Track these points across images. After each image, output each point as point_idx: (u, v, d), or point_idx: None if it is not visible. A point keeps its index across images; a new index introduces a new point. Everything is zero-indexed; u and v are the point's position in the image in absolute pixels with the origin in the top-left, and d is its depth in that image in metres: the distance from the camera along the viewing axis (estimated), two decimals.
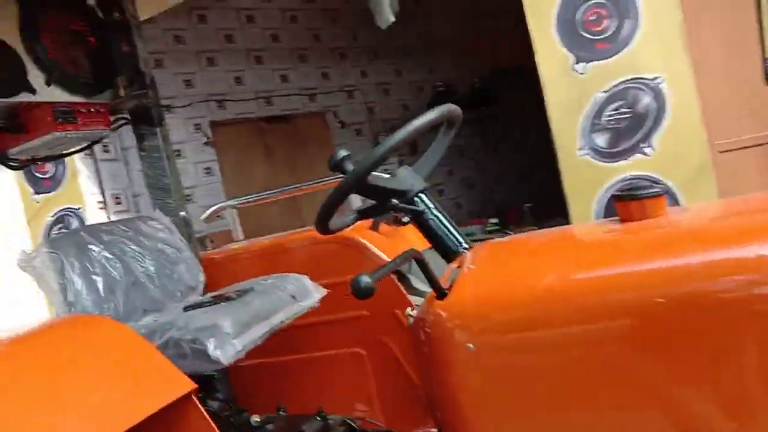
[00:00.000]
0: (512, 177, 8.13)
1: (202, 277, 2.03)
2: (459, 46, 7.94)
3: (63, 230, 4.44)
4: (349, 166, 1.32)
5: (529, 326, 1.04)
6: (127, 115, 2.31)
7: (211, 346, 1.31)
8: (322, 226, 1.37)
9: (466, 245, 1.35)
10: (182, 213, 2.31)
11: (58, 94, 2.06)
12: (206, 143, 5.93)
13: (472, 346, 1.07)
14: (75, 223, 4.43)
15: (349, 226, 1.46)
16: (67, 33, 2.13)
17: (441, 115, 1.38)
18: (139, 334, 1.46)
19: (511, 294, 1.07)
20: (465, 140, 7.93)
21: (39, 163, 2.23)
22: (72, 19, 2.16)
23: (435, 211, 1.39)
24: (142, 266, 1.78)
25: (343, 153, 1.33)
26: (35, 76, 1.98)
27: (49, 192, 4.56)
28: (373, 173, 1.30)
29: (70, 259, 1.57)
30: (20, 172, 4.37)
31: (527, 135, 6.61)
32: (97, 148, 4.85)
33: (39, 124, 2.05)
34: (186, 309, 1.63)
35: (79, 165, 4.45)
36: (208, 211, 2.86)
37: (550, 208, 4.26)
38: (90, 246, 1.66)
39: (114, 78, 2.26)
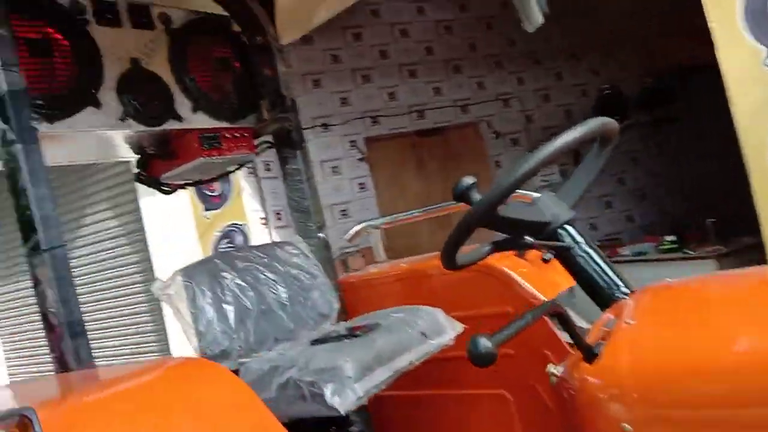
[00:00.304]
0: (691, 187, 7.21)
1: (335, 305, 1.96)
2: (626, 45, 7.24)
3: (229, 245, 4.73)
4: (475, 196, 1.14)
5: (707, 404, 0.78)
6: (270, 139, 2.33)
7: (329, 392, 1.20)
8: (449, 262, 1.20)
9: (625, 289, 1.10)
10: (321, 234, 2.26)
11: (203, 120, 2.11)
12: (361, 159, 6.02)
13: (629, 427, 0.83)
14: (240, 239, 4.71)
15: (481, 260, 1.28)
16: (213, 60, 2.19)
17: (591, 130, 1.14)
18: (260, 371, 1.40)
19: (683, 363, 0.81)
20: (637, 145, 7.22)
21: (187, 187, 2.32)
22: (217, 47, 2.22)
23: (585, 246, 1.15)
24: (275, 294, 1.74)
25: (467, 181, 1.14)
26: (182, 104, 2.05)
27: (217, 209, 4.89)
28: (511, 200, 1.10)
29: (203, 287, 1.56)
30: (192, 189, 4.73)
31: (708, 140, 5.81)
32: (260, 165, 5.12)
33: (186, 150, 2.12)
34: (313, 343, 1.55)
35: (243, 183, 4.73)
36: (352, 231, 2.81)
37: (738, 225, 3.65)
38: (223, 274, 1.65)
39: (257, 102, 2.29)
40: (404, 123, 6.37)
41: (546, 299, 1.81)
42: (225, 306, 1.57)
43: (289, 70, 2.32)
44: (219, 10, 2.27)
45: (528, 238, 1.13)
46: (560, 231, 1.16)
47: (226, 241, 4.84)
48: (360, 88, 6.25)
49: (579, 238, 1.16)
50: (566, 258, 1.16)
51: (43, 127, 1.65)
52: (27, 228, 1.46)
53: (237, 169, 2.35)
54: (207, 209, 4.92)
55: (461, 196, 1.15)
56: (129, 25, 1.97)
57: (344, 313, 2.11)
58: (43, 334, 1.42)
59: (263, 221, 4.80)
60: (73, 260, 6.13)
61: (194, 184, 2.38)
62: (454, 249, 1.18)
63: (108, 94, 1.84)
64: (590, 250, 1.16)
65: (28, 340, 6.59)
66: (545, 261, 1.19)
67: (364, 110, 6.22)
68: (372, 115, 6.22)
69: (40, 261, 1.43)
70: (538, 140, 6.80)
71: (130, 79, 1.91)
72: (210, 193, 4.87)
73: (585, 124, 1.15)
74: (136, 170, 2.25)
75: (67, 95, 1.73)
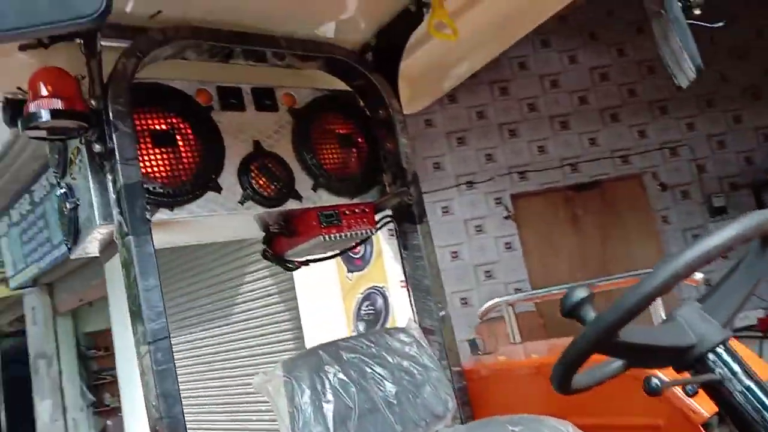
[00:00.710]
0: None
1: (451, 404, 1.76)
2: None
3: (370, 309, 4.72)
4: (589, 314, 0.92)
5: None
6: (391, 213, 2.25)
7: None
8: (561, 386, 0.99)
9: None
10: (442, 313, 2.10)
11: (324, 198, 2.09)
12: (507, 217, 5.78)
13: None
14: (380, 302, 4.67)
15: (604, 382, 1.04)
16: (336, 137, 2.18)
17: (752, 228, 0.88)
18: None
19: None
20: None
21: (310, 264, 2.29)
22: (340, 123, 2.21)
23: (744, 378, 0.88)
24: (382, 391, 1.60)
25: (579, 294, 0.93)
26: (302, 183, 2.04)
27: (360, 270, 4.92)
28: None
29: (302, 383, 1.47)
30: None
31: None
32: None
33: (306, 228, 2.10)
34: None
35: (383, 245, 4.73)
36: (484, 307, 2.61)
37: None
38: (326, 367, 1.56)
39: (379, 177, 2.23)
40: (556, 177, 6.04)
41: (706, 413, 1.47)
42: (325, 405, 1.47)
43: (411, 143, 2.23)
44: (343, 85, 2.27)
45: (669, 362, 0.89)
46: (709, 357, 0.90)
47: (367, 303, 4.83)
48: (507, 144, 6.06)
49: (736, 367, 0.89)
50: (717, 393, 0.89)
51: (162, 215, 1.71)
52: (136, 318, 1.48)
53: (359, 244, 2.29)
54: (350, 271, 4.96)
55: (571, 312, 0.93)
56: (252, 108, 2.02)
57: (466, 406, 1.91)
58: None
59: (403, 284, 4.72)
60: (232, 315, 6.53)
61: (318, 260, 2.36)
62: (566, 374, 0.96)
63: (228, 178, 1.88)
64: (751, 383, 0.88)
65: None
66: (689, 394, 0.93)
67: (511, 166, 6.00)
68: (519, 171, 5.98)
69: (146, 351, 1.44)
70: (712, 193, 6.04)
71: (251, 162, 1.94)
72: (353, 255, 4.92)
73: (747, 218, 0.89)
74: (263, 246, 2.27)
75: (188, 183, 1.78)
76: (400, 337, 1.80)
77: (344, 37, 2.26)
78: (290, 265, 2.27)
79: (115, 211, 1.56)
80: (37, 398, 9.57)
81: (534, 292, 2.71)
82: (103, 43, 1.78)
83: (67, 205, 1.74)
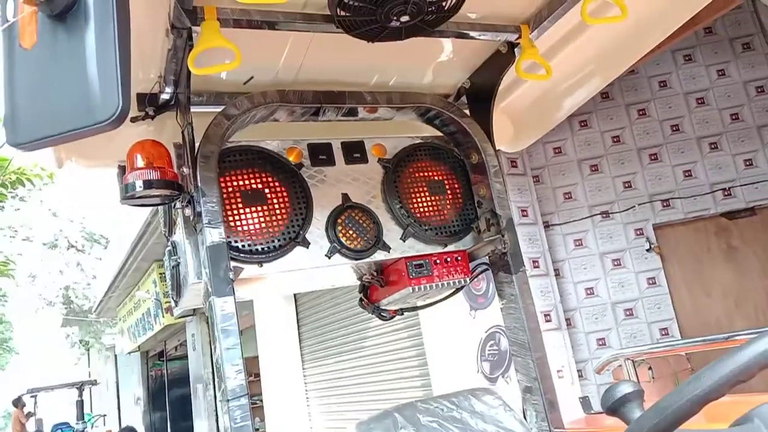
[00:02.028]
0: None
1: None
2: None
3: (494, 349, 4.59)
4: (633, 412, 0.81)
5: None
6: (486, 260, 2.18)
7: None
8: None
9: None
10: (542, 370, 1.98)
11: (414, 247, 2.08)
12: (649, 249, 5.34)
13: None
14: (504, 342, 4.53)
15: None
16: (427, 185, 2.17)
17: None
18: None
19: None
20: None
21: (403, 313, 2.29)
22: (432, 171, 2.20)
23: None
24: None
25: (623, 389, 0.83)
26: (390, 233, 2.05)
27: (482, 308, 4.82)
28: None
29: None
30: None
31: None
32: (528, 265, 4.93)
33: (396, 278, 2.10)
34: None
35: None
36: (600, 362, 2.42)
37: None
38: (402, 431, 1.53)
39: (472, 224, 2.18)
40: (706, 204, 5.50)
41: None
42: None
43: (504, 188, 2.16)
44: (433, 131, 2.27)
45: None
46: None
47: (491, 343, 4.70)
48: (647, 169, 5.64)
49: None
50: None
51: (251, 272, 1.81)
52: (218, 375, 1.57)
53: (454, 293, 2.25)
54: (472, 308, 4.88)
55: (614, 409, 0.83)
56: (342, 162, 2.08)
57: None
58: None
59: None
60: (363, 349, 6.69)
61: (412, 309, 2.34)
62: None
63: (316, 232, 1.93)
64: None
65: None
66: None
67: (653, 193, 5.57)
68: (663, 198, 5.53)
69: (225, 409, 1.52)
70: None
71: (338, 215, 1.98)
72: (476, 292, 4.84)
73: None
74: (359, 295, 2.31)
75: (277, 239, 1.86)
76: (485, 400, 1.73)
77: (435, 84, 2.27)
78: (384, 315, 2.27)
79: (203, 271, 1.68)
80: (196, 419, 10.45)
81: (654, 345, 2.46)
82: (201, 109, 1.97)
83: (171, 262, 1.90)
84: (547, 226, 5.47)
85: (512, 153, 5.15)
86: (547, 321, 4.92)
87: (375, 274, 2.17)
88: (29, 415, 11.36)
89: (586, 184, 5.71)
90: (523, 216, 5.24)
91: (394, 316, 2.30)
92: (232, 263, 1.70)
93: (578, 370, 5.04)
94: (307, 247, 1.91)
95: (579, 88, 2.42)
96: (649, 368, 3.86)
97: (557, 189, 5.70)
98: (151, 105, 1.81)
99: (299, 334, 8.17)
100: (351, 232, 1.99)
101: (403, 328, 6.00)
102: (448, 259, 2.10)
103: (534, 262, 5.07)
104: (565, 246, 5.43)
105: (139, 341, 13.44)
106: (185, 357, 12.36)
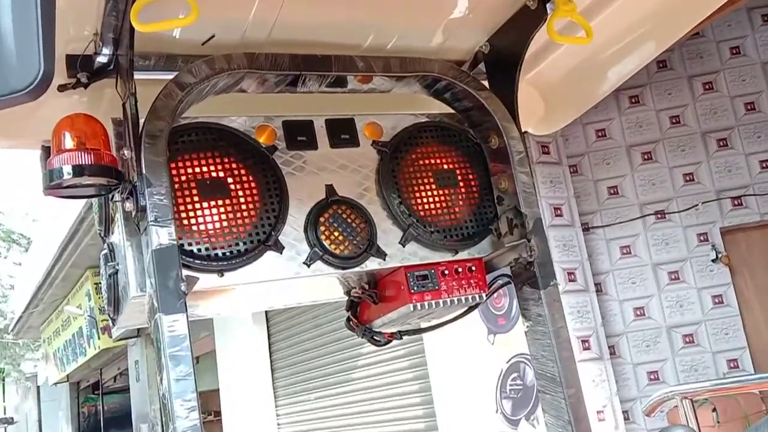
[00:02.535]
0: None
1: None
2: None
3: (518, 384, 4.60)
4: None
5: None
6: (507, 272, 2.19)
7: None
8: None
9: None
10: (576, 411, 1.99)
11: (417, 254, 2.08)
12: (715, 260, 5.36)
13: None
14: (530, 374, 4.53)
15: None
16: (434, 176, 2.17)
17: None
18: None
19: None
20: None
21: (402, 337, 2.29)
22: (441, 157, 2.20)
23: None
24: None
25: None
26: (387, 235, 2.05)
27: (504, 332, 4.83)
28: None
29: None
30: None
31: None
32: (561, 277, 4.94)
33: (394, 293, 2.10)
34: None
35: None
36: (652, 399, 2.43)
37: None
38: None
39: (491, 224, 2.19)
40: None
41: None
42: None
43: (531, 179, 2.16)
44: (443, 108, 2.27)
45: None
46: None
47: (514, 375, 4.72)
48: (714, 158, 5.66)
49: None
50: None
51: (209, 282, 1.81)
52: (164, 412, 1.58)
53: (465, 313, 2.25)
54: (491, 332, 4.90)
55: None
56: (326, 145, 2.08)
57: None
58: None
59: None
60: (353, 382, 6.71)
61: (414, 332, 2.35)
62: None
63: (292, 234, 1.94)
64: None
65: None
66: None
67: (722, 189, 5.59)
68: (734, 196, 5.55)
69: None
70: None
71: (321, 212, 1.99)
72: (495, 311, 4.85)
73: None
74: (347, 314, 2.32)
75: (242, 242, 1.86)
76: None
77: (446, 48, 2.27)
78: (378, 339, 2.28)
79: (148, 281, 1.68)
80: None
81: (720, 381, 2.47)
82: (147, 76, 1.97)
83: (108, 270, 1.90)
84: (586, 228, 5.48)
85: (543, 136, 5.16)
86: (585, 349, 4.93)
87: (367, 287, 2.17)
88: None
89: (636, 176, 5.74)
90: (557, 216, 5.25)
91: (391, 341, 2.29)
92: (185, 271, 1.70)
93: (624, 412, 5.06)
94: (281, 252, 1.91)
95: (628, 55, 2.42)
96: (713, 410, 3.89)
97: (600, 182, 5.72)
98: (84, 70, 1.81)
99: (271, 362, 8.18)
100: (337, 233, 1.99)
101: (403, 356, 6.02)
102: (460, 270, 2.10)
103: (569, 274, 5.08)
104: (609, 254, 5.45)
105: (69, 369, 13.44)
106: (126, 390, 12.38)
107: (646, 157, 5.69)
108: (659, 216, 5.54)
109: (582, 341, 4.93)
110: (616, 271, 5.42)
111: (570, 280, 5.08)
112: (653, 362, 5.25)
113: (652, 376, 5.20)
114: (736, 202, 5.57)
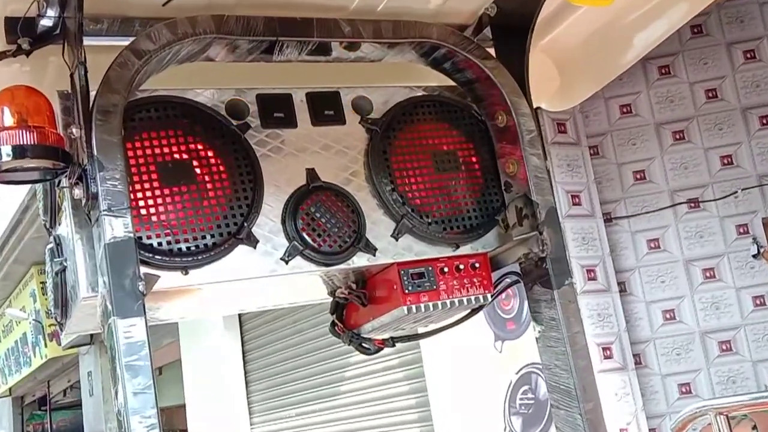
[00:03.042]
0: None
1: None
2: None
3: (529, 397, 4.62)
4: None
5: None
6: (516, 269, 2.20)
7: None
8: None
9: None
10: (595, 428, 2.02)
11: (411, 249, 2.09)
12: (757, 255, 5.39)
13: None
14: (544, 388, 4.55)
15: None
16: (430, 157, 2.18)
17: None
18: None
19: None
20: None
21: (395, 344, 2.31)
22: (439, 137, 2.22)
23: None
24: None
25: None
26: (377, 227, 2.05)
27: (513, 338, 4.85)
28: None
29: None
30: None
31: None
32: (578, 275, 4.96)
33: (385, 294, 2.11)
34: None
35: None
36: (683, 414, 2.45)
37: None
38: None
39: (497, 214, 2.20)
40: None
41: None
42: None
43: (545, 162, 2.17)
44: (441, 80, 2.28)
45: None
46: None
47: (524, 388, 4.74)
48: (756, 138, 5.67)
49: None
50: None
51: (171, 281, 1.82)
52: (121, 429, 1.59)
53: (467, 317, 2.27)
54: (498, 338, 4.92)
55: None
56: (307, 122, 2.09)
57: None
58: None
59: None
60: (341, 395, 6.74)
61: (409, 339, 2.37)
62: None
63: (268, 225, 1.95)
64: None
65: None
66: None
67: (764, 173, 5.60)
68: None
69: None
70: None
71: (301, 201, 1.99)
72: (503, 314, 4.87)
73: None
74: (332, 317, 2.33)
75: (210, 234, 1.87)
76: None
77: (445, 10, 2.28)
78: (367, 347, 2.29)
79: (101, 279, 1.68)
80: None
81: (762, 394, 2.50)
82: (99, 42, 1.96)
83: (54, 266, 1.90)
84: (608, 219, 5.50)
85: (558, 112, 5.17)
86: (606, 358, 4.95)
87: (354, 287, 2.18)
88: None
89: (666, 158, 5.74)
90: (574, 205, 5.27)
91: (383, 349, 2.32)
92: (144, 269, 1.70)
93: (650, 430, 5.09)
94: (255, 247, 1.92)
95: (656, 18, 2.44)
96: (754, 427, 3.92)
97: (624, 166, 5.72)
98: (25, 35, 1.81)
99: (246, 374, 8.19)
100: (319, 225, 2.00)
101: (396, 366, 6.03)
102: (461, 267, 2.12)
103: (588, 271, 5.09)
104: (635, 249, 5.46)
105: (11, 382, 13.43)
106: (78, 405, 12.38)
107: (677, 136, 5.68)
108: (692, 205, 5.54)
109: (602, 349, 4.95)
110: (642, 269, 5.42)
111: (589, 279, 5.09)
112: (684, 373, 5.26)
113: (684, 389, 5.23)
114: None
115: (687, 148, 5.76)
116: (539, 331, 2.14)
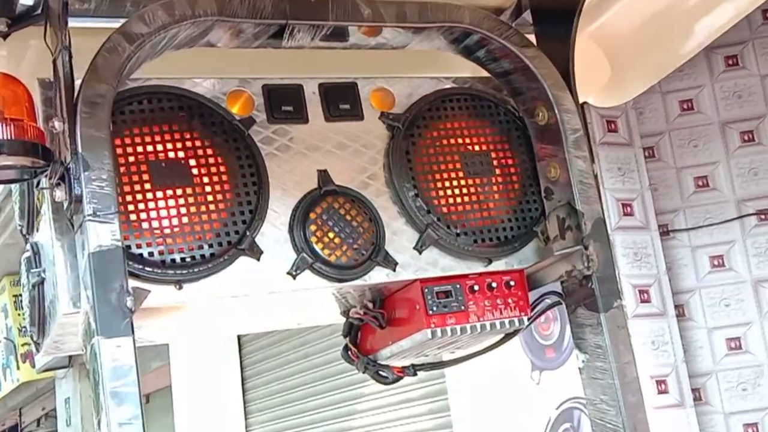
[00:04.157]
0: None
1: None
2: None
3: None
4: None
5: None
6: (557, 289, 2.21)
7: None
8: None
9: None
10: None
11: (435, 263, 2.10)
12: None
13: None
14: (587, 427, 4.54)
15: None
16: (460, 159, 2.19)
17: None
18: None
19: None
20: None
21: (416, 372, 2.31)
22: (470, 136, 2.22)
23: None
24: None
25: None
26: (398, 238, 2.07)
27: (553, 368, 4.84)
28: None
29: None
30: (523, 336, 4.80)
31: None
32: (629, 297, 4.94)
33: (406, 314, 2.12)
34: None
35: None
36: None
37: None
38: None
39: (535, 226, 2.21)
40: None
41: None
42: None
43: (592, 165, 2.18)
44: (474, 70, 2.29)
45: None
46: None
47: (566, 427, 4.72)
48: None
49: None
50: None
51: (163, 297, 1.83)
52: None
53: (500, 343, 2.27)
54: (536, 368, 4.91)
55: None
56: (320, 118, 2.10)
57: None
58: None
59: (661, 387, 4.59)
60: (370, 427, 6.75)
61: (434, 367, 2.38)
62: None
63: (273, 234, 1.96)
64: None
65: None
66: None
67: None
68: None
69: None
70: None
71: (312, 206, 2.01)
72: (542, 340, 4.86)
73: None
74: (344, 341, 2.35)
75: (208, 243, 1.88)
76: None
77: None
78: (385, 375, 2.30)
79: (84, 294, 1.70)
80: None
81: None
82: (85, 23, 1.99)
83: (31, 278, 1.92)
84: (665, 232, 5.48)
85: (608, 109, 5.16)
86: (661, 392, 4.93)
87: (370, 306, 2.19)
88: None
89: (733, 163, 5.72)
90: (626, 215, 5.25)
91: (402, 378, 2.32)
92: (132, 282, 1.72)
93: None
94: (258, 259, 1.94)
95: (722, 2, 2.44)
96: None
97: (684, 170, 5.71)
98: (2, 15, 1.83)
99: (245, 403, 8.21)
100: (332, 235, 2.02)
101: (419, 398, 6.04)
102: (494, 285, 2.13)
103: (641, 292, 5.07)
104: (696, 267, 5.43)
105: None
106: None
107: (746, 137, 5.66)
108: (763, 217, 5.51)
109: (656, 382, 4.92)
110: (704, 290, 5.40)
111: (642, 301, 5.07)
112: (752, 411, 5.23)
113: (751, 430, 5.20)
114: None
115: (757, 151, 5.73)
116: (583, 361, 2.14)
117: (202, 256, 1.88)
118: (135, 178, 1.85)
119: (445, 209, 2.14)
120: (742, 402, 5.26)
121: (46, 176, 1.74)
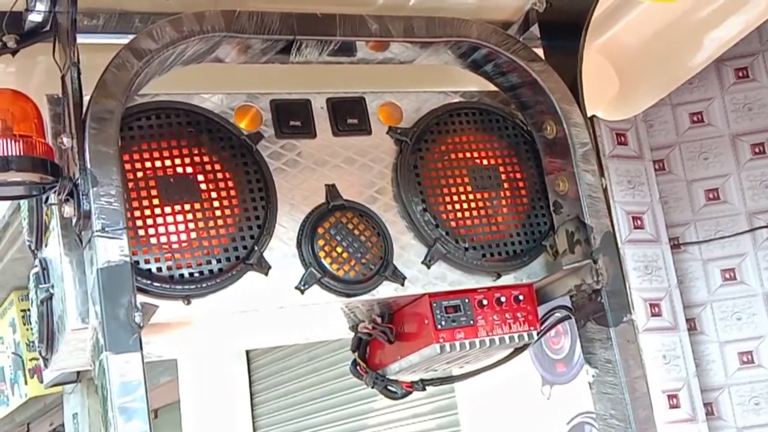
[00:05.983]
0: None
1: None
2: None
3: None
4: None
5: None
6: (566, 303, 2.21)
7: None
8: None
9: None
10: None
11: (444, 278, 2.10)
12: None
13: None
14: None
15: None
16: (468, 173, 2.20)
17: None
18: None
19: None
20: None
21: (425, 387, 2.31)
22: (478, 150, 2.23)
23: None
24: None
25: None
26: (406, 252, 2.07)
27: (563, 383, 4.82)
28: None
29: None
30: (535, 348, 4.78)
31: None
32: (640, 310, 4.93)
33: (415, 329, 2.12)
34: None
35: None
36: None
37: None
38: None
39: (544, 240, 2.21)
40: None
41: None
42: None
43: (601, 179, 2.18)
44: (482, 85, 2.30)
45: None
46: None
47: None
48: None
49: None
50: None
51: (171, 312, 1.84)
52: None
53: (509, 357, 2.27)
54: (546, 383, 4.89)
55: None
56: (328, 133, 2.11)
57: None
58: None
59: None
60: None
61: (443, 382, 2.38)
62: None
63: (281, 249, 1.97)
64: None
65: None
66: None
67: None
68: None
69: None
70: None
71: (320, 221, 2.01)
72: (552, 355, 4.85)
73: None
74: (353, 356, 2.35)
75: (216, 258, 1.89)
76: None
77: (487, 4, 2.30)
78: (393, 390, 2.30)
79: (92, 309, 1.71)
80: None
81: None
82: (94, 40, 2.00)
83: (40, 294, 1.93)
84: (675, 245, 5.46)
85: (618, 122, 5.16)
86: (672, 407, 4.91)
87: (379, 321, 2.20)
88: None
89: (744, 175, 5.71)
90: (636, 228, 5.24)
91: (411, 393, 2.32)
92: (141, 297, 1.73)
93: None
94: (266, 274, 1.94)
95: (732, 14, 2.44)
96: None
97: (694, 183, 5.70)
98: (11, 31, 1.85)
99: (253, 419, 8.20)
100: (340, 249, 2.02)
101: (428, 413, 6.03)
102: (503, 299, 2.13)
103: (651, 306, 5.06)
104: (707, 280, 5.41)
105: None
106: None
107: (757, 150, 5.65)
108: None
109: (668, 397, 4.90)
110: (715, 303, 5.38)
111: (652, 315, 5.05)
112: (766, 426, 5.21)
113: None
114: None
115: None
116: (593, 376, 2.14)
117: (210, 271, 1.89)
118: (143, 193, 1.86)
119: (453, 223, 2.14)
120: (755, 417, 5.23)
121: (54, 192, 1.75)
